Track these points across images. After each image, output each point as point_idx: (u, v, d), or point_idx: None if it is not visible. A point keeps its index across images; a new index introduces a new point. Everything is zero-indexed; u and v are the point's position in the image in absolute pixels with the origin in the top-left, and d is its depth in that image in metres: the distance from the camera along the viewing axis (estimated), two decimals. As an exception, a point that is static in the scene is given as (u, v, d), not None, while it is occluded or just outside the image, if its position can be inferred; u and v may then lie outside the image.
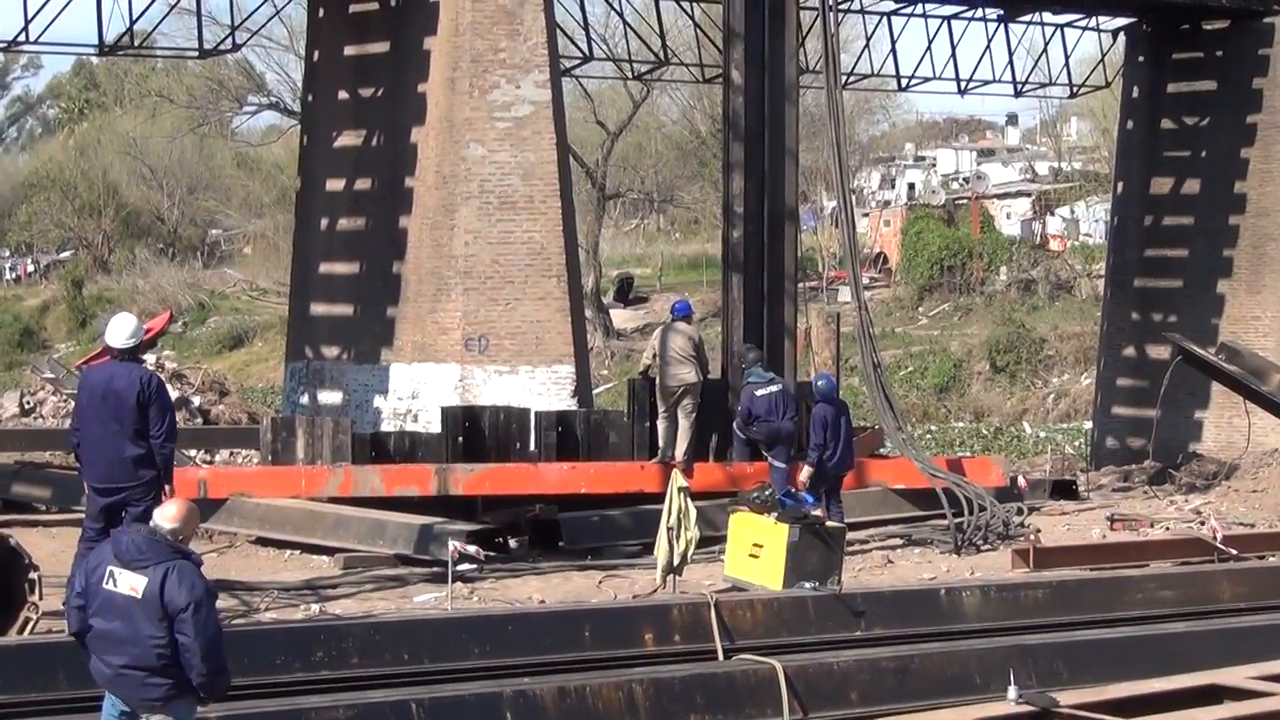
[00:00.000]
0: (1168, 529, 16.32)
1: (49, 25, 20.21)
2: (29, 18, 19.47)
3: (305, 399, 20.92)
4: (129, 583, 5.32)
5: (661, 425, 15.84)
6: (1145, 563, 14.23)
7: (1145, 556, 14.56)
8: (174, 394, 18.56)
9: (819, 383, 15.38)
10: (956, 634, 10.39)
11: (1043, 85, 29.69)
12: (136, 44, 22.41)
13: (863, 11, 25.12)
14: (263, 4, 23.30)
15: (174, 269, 47.27)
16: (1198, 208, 24.67)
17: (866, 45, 26.53)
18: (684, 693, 8.31)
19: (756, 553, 12.05)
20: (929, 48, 25.21)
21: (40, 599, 8.85)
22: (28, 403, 20.67)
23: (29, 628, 8.53)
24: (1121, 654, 9.72)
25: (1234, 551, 14.09)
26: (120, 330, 9.39)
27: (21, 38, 20.11)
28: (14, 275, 52.68)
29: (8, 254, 55.62)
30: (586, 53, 25.65)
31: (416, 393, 19.34)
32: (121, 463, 9.26)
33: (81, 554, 7.99)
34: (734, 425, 15.56)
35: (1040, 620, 10.98)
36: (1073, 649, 9.79)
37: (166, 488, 9.45)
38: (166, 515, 5.52)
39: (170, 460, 9.89)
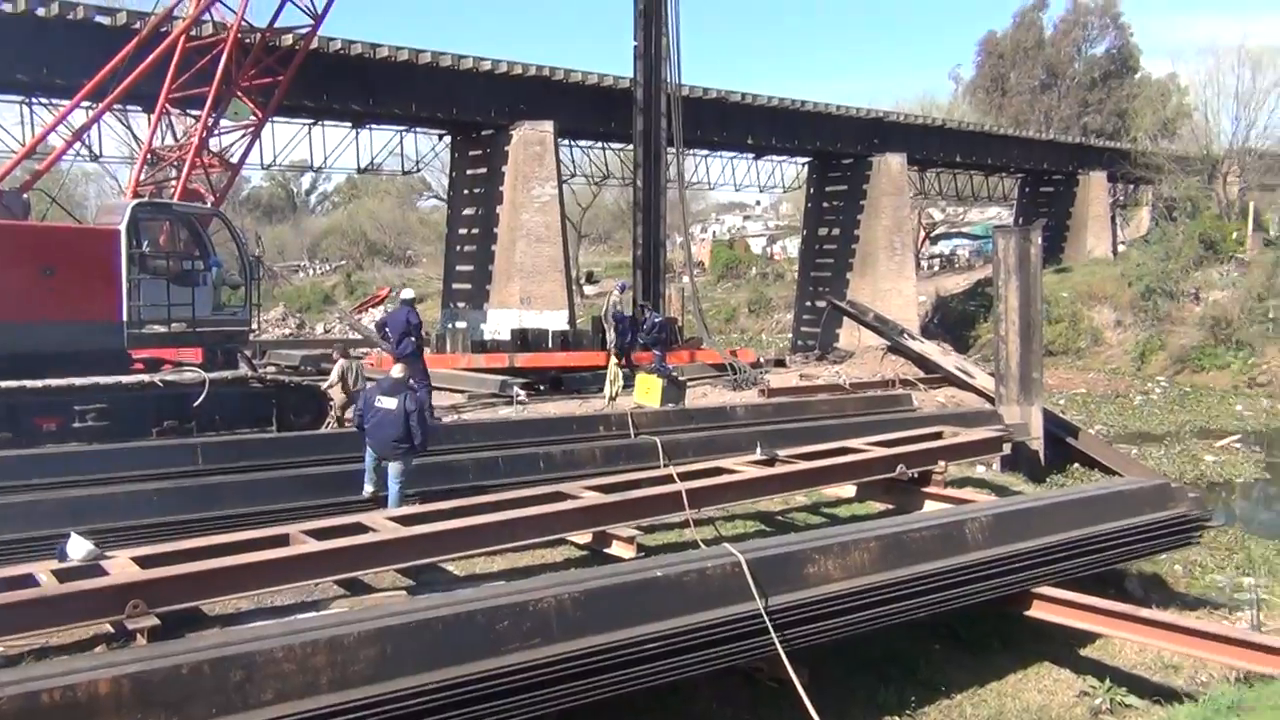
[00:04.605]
0: (824, 379, 23.97)
1: (338, 156, 34.80)
2: (326, 154, 32.97)
3: (450, 325, 30.29)
4: (387, 404, 10.08)
5: (609, 335, 23.47)
6: (815, 394, 20.88)
7: (816, 392, 21.50)
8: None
9: (659, 317, 23.43)
10: (734, 425, 15.26)
11: (773, 187, 45.91)
12: (375, 167, 35.40)
13: (693, 154, 38.33)
14: (433, 150, 35.95)
15: (390, 268, 74.85)
16: (838, 241, 37.99)
17: (695, 168, 41.24)
18: (618, 453, 12.48)
19: (648, 390, 18.52)
20: (721, 170, 42.24)
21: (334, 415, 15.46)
22: (328, 327, 35.44)
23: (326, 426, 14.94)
24: (806, 435, 13.88)
25: (851, 389, 21.79)
26: (406, 295, 17.48)
27: (320, 163, 33.88)
28: (320, 271, 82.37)
29: (315, 261, 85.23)
30: (573, 172, 39.27)
31: (499, 323, 29.06)
32: (407, 345, 16.16)
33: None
34: (639, 335, 23.03)
35: (771, 419, 16.08)
36: (784, 433, 14.05)
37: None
38: (395, 369, 10.93)
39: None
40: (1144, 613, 8.73)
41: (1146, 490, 10.69)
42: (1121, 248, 55.73)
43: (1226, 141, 49.42)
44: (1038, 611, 8.86)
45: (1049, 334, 36.21)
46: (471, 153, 32.48)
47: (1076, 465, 18.92)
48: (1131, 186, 58.09)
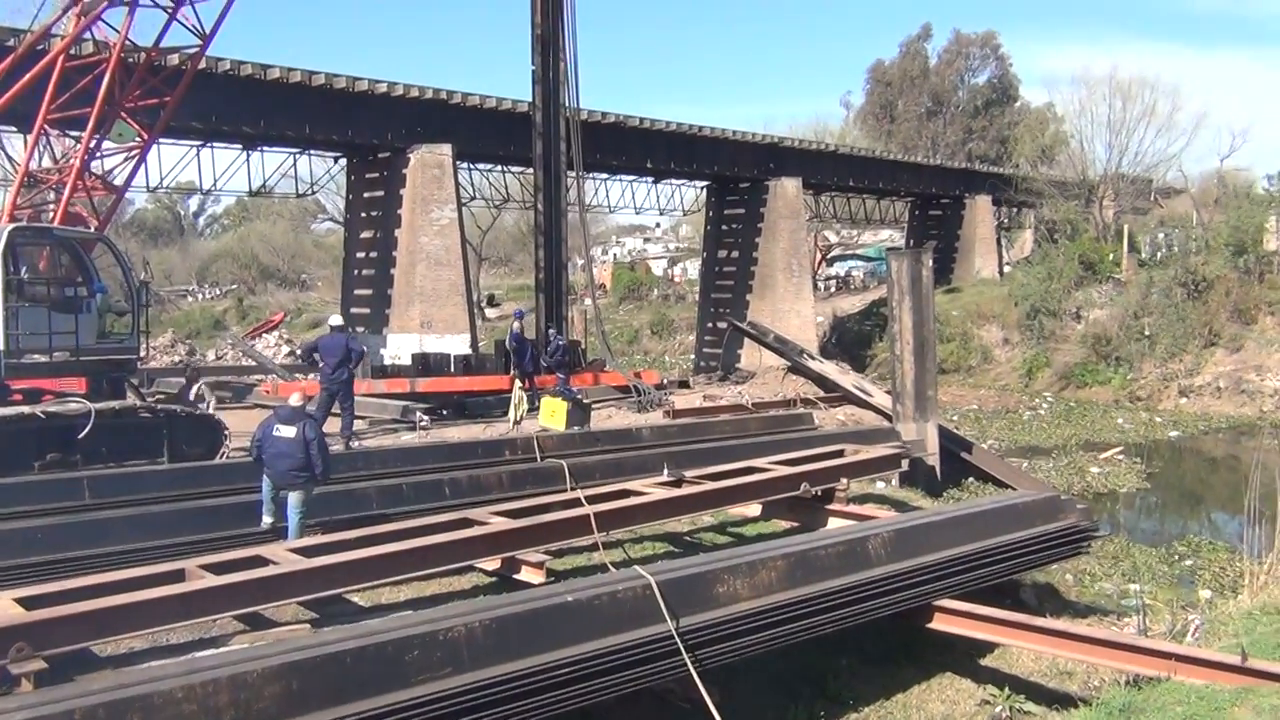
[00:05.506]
0: (727, 400, 23.32)
1: (229, 179, 33.17)
2: (216, 177, 32.36)
3: (349, 350, 31.98)
4: (286, 432, 9.83)
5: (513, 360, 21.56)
6: (719, 414, 20.35)
7: (720, 412, 20.91)
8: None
9: (563, 340, 22.93)
10: (640, 447, 15.08)
11: (673, 210, 47.22)
12: (267, 189, 34.45)
13: (593, 178, 38.35)
14: (328, 172, 36.35)
15: (284, 292, 74.06)
16: (738, 263, 38.35)
17: (595, 191, 41.02)
18: (525, 478, 12.48)
19: (554, 413, 18.22)
20: (621, 194, 42.65)
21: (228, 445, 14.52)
22: (220, 353, 34.35)
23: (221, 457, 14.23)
24: (711, 456, 13.70)
25: (753, 409, 21.06)
26: (335, 322, 17.35)
27: (210, 186, 32.93)
28: (210, 296, 79.26)
29: (204, 285, 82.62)
30: (473, 195, 39.11)
31: (399, 348, 28.98)
32: (343, 372, 16.03)
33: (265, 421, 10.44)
34: (541, 359, 22.33)
35: (676, 440, 16.08)
36: (690, 454, 14.03)
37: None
38: (294, 397, 10.24)
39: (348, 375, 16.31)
40: (1039, 622, 9.01)
41: (1038, 503, 11.05)
42: (1008, 268, 57.79)
43: (1101, 168, 51.79)
44: (939, 624, 9.07)
45: (941, 352, 36.78)
46: (368, 175, 32.12)
47: (971, 479, 19.43)
48: (1015, 210, 60.45)
